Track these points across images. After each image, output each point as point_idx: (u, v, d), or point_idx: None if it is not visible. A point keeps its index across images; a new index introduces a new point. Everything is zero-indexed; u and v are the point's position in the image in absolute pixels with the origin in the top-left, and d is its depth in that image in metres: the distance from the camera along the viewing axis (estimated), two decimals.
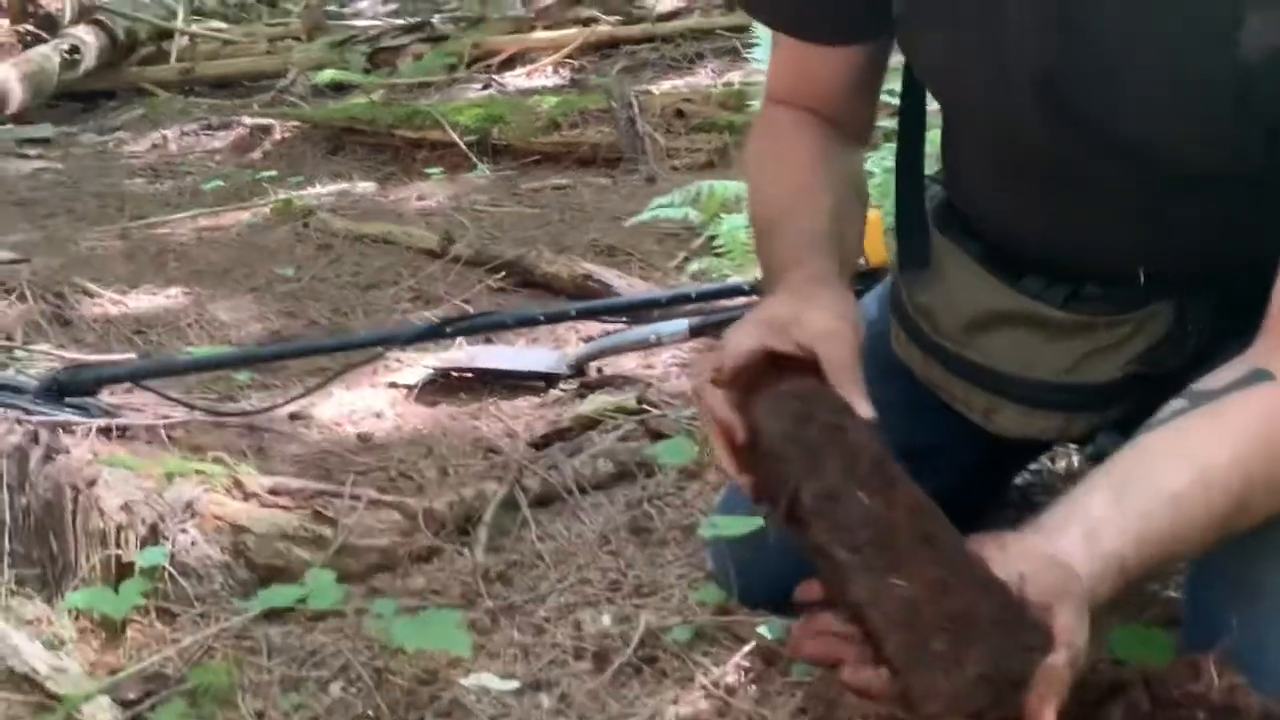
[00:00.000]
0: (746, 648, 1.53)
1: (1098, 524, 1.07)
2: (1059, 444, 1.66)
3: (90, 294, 2.98)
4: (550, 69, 5.51)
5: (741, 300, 2.20)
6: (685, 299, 2.23)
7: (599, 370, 2.44)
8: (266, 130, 4.86)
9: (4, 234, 3.65)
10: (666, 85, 4.92)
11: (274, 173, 4.33)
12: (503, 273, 3.07)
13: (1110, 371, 1.37)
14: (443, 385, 2.44)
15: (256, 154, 4.71)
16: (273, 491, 1.72)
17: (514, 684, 1.50)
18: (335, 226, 3.59)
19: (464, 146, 4.19)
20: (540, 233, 3.46)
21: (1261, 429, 1.08)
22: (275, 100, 5.49)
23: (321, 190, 4.09)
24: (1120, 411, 1.40)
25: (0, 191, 4.36)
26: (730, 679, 1.49)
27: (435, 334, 2.19)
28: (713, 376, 1.20)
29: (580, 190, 3.90)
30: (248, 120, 4.97)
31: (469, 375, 2.45)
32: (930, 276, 1.46)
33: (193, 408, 2.14)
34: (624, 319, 2.37)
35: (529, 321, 2.28)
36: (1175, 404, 1.14)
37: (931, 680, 0.96)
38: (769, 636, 1.53)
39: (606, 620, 1.61)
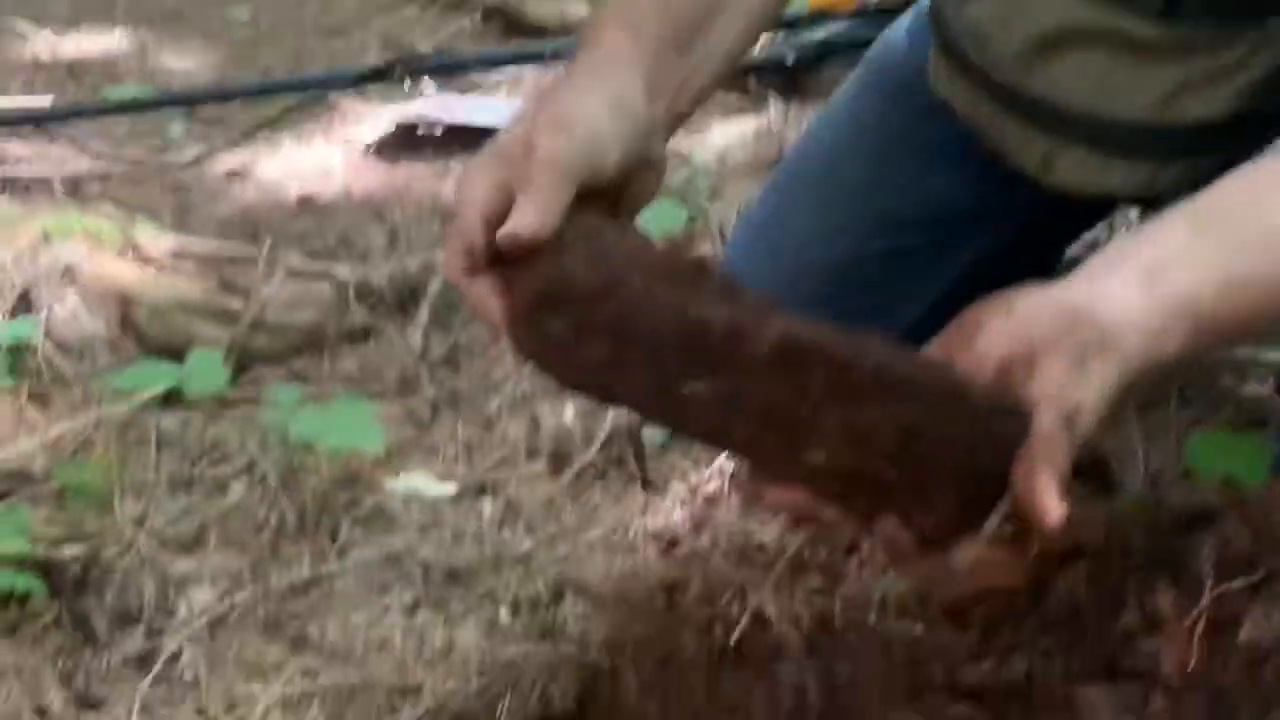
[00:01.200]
0: None
1: (1165, 260, 0.77)
2: (1131, 205, 1.35)
3: (20, 35, 2.63)
4: None
5: None
6: None
7: None
8: None
9: None
10: None
11: None
12: (487, 18, 2.70)
13: (1213, 107, 1.05)
14: (407, 141, 2.12)
15: None
16: (176, 255, 1.43)
17: (450, 487, 1.25)
18: None
19: None
20: None
21: None
22: None
23: None
24: (1220, 162, 1.08)
25: None
26: (712, 486, 1.23)
27: (383, 75, 1.87)
28: (464, 264, 0.78)
29: None
30: None
31: (438, 132, 2.13)
32: None
33: (108, 158, 1.82)
34: None
35: (495, 61, 1.94)
36: None
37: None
38: None
39: (569, 415, 1.35)
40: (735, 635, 1.00)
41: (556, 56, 1.98)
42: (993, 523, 0.72)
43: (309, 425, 1.13)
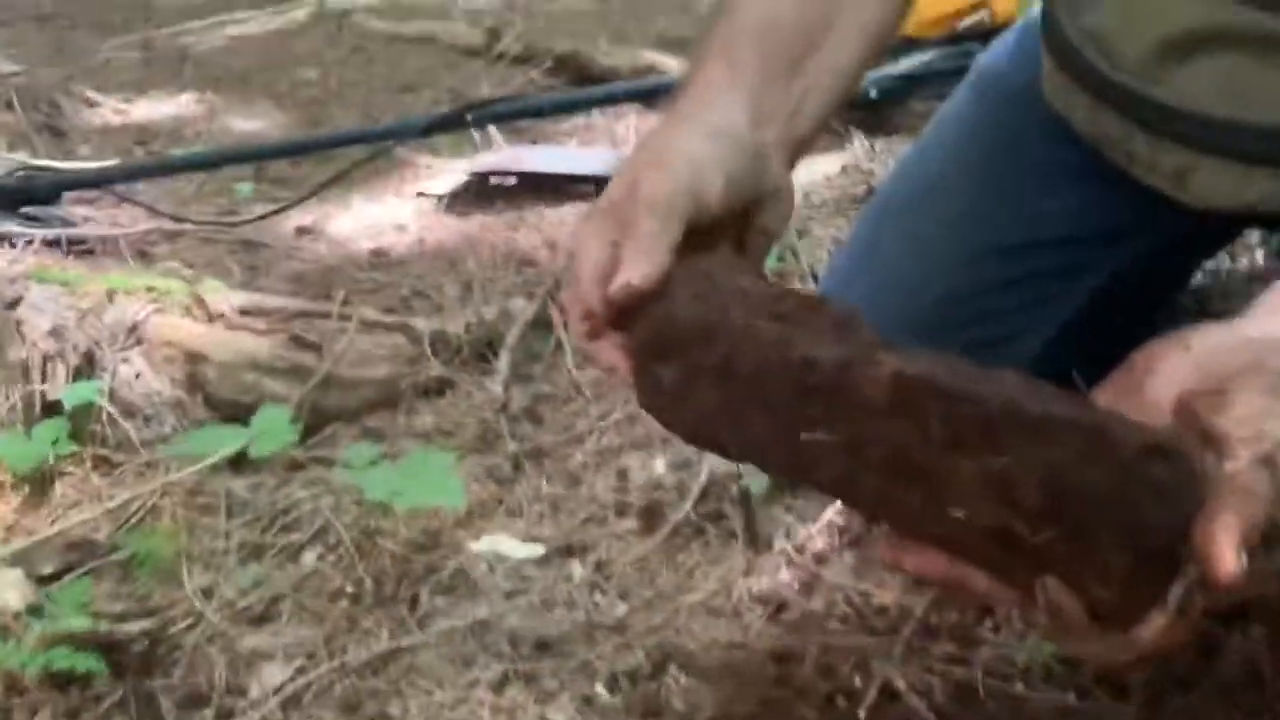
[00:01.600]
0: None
1: None
2: (1267, 224, 1.24)
3: (91, 103, 2.63)
4: None
5: None
6: None
7: None
8: None
9: (12, 46, 3.31)
10: None
11: None
12: (555, 69, 2.65)
13: None
14: (479, 193, 2.06)
15: None
16: (244, 311, 1.37)
17: (538, 549, 1.16)
18: (372, 28, 3.20)
19: None
20: (599, 26, 3.02)
21: None
22: None
23: None
24: None
25: (26, 6, 4.01)
26: (820, 544, 1.13)
27: (451, 123, 1.80)
28: (586, 328, 0.75)
29: None
30: None
31: (510, 181, 2.07)
32: None
33: (173, 219, 1.78)
34: None
35: (563, 106, 1.87)
36: None
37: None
38: None
39: (660, 468, 1.26)
40: (862, 711, 0.90)
41: (627, 98, 1.91)
42: (1177, 592, 0.61)
43: (384, 484, 1.05)
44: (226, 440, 1.14)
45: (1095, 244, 1.17)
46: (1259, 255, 1.53)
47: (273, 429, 1.13)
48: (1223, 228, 1.25)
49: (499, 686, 1.00)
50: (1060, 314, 1.20)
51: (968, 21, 1.79)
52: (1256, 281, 1.46)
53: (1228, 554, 0.60)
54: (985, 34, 1.60)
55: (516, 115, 1.95)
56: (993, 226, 1.18)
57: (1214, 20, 0.97)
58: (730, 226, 0.79)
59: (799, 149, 0.86)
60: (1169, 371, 0.68)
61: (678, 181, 0.76)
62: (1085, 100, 1.07)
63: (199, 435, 1.17)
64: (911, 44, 1.87)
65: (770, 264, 1.54)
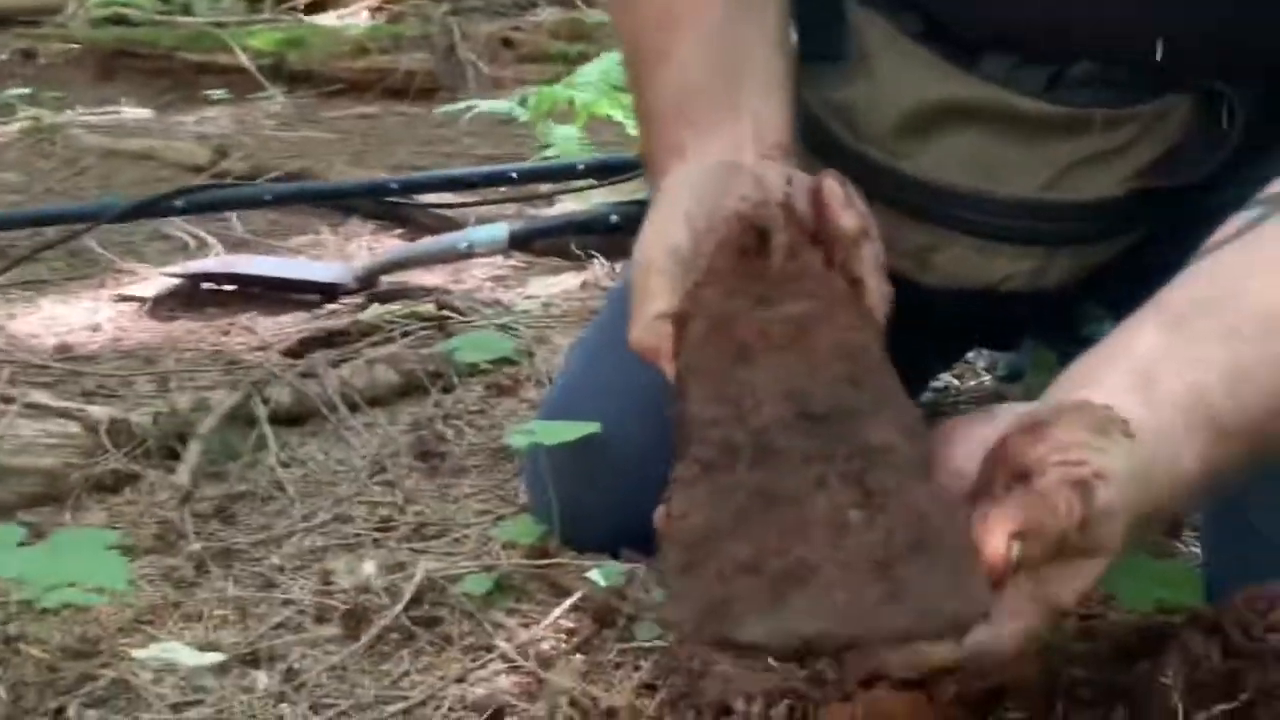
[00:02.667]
0: (569, 602, 1.05)
1: (1150, 363, 0.66)
2: (1017, 305, 1.23)
3: None
4: (366, 13, 4.95)
5: (577, 185, 1.72)
6: (503, 178, 1.74)
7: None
8: (29, 54, 4.18)
9: None
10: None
11: (28, 90, 3.67)
12: None
13: (1107, 187, 0.95)
14: (189, 298, 1.89)
15: (12, 78, 4.03)
16: None
17: (216, 657, 0.99)
18: (87, 143, 2.99)
19: (255, 71, 3.61)
20: (338, 157, 2.92)
21: None
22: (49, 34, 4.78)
23: (84, 112, 3.46)
24: (1115, 247, 0.98)
25: None
26: (546, 645, 1.01)
27: (157, 208, 1.64)
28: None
29: (388, 120, 3.37)
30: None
31: (226, 288, 1.92)
32: (850, 69, 1.01)
33: None
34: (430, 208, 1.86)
35: (296, 199, 1.75)
36: (1238, 219, 0.75)
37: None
38: (603, 585, 1.06)
39: (369, 569, 1.12)
40: None
41: (356, 195, 1.80)
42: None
43: (24, 564, 0.87)
44: None
45: None
46: (985, 378, 1.55)
47: None
48: (959, 333, 1.24)
49: None
50: None
51: None
52: (982, 404, 1.47)
53: (997, 538, 0.55)
54: None
55: (234, 204, 1.80)
56: None
57: (957, 94, 0.96)
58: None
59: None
60: (972, 434, 0.64)
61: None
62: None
63: None
64: None
65: (506, 351, 1.46)
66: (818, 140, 1.03)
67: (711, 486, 0.61)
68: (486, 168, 1.86)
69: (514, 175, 1.74)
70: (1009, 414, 0.66)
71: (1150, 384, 0.65)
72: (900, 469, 0.59)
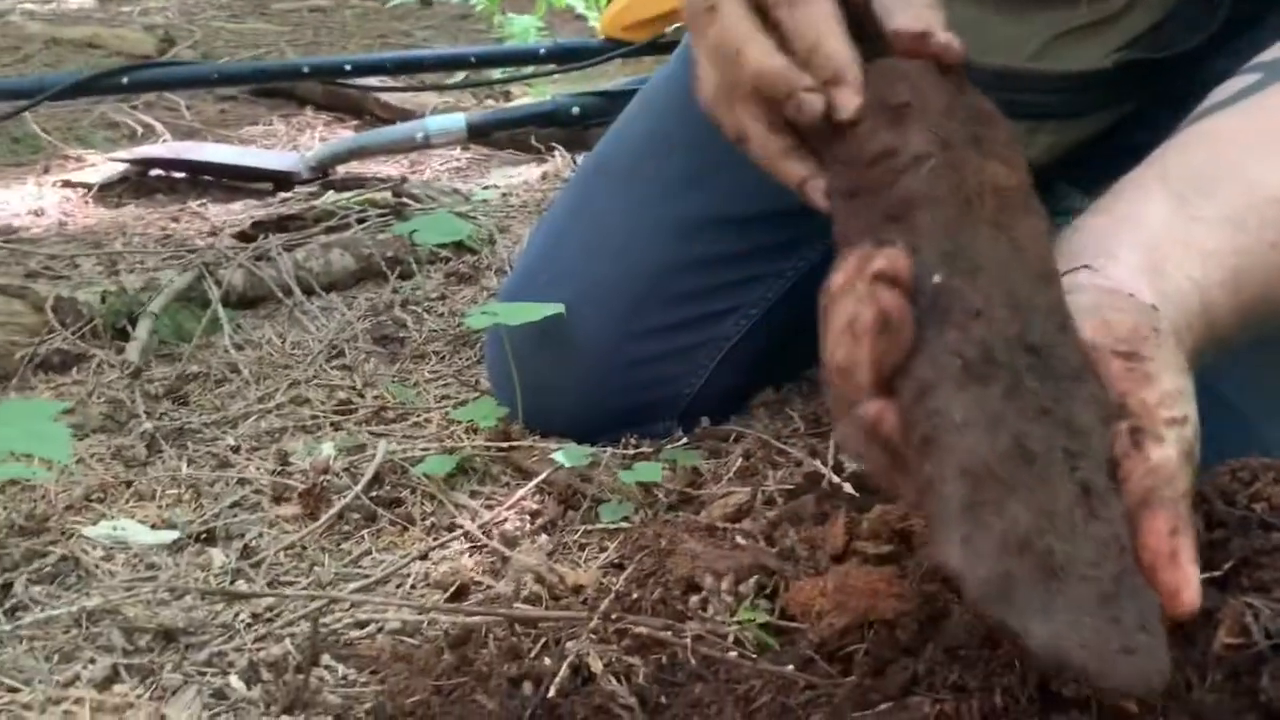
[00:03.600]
0: (533, 483, 1.03)
1: (1160, 243, 0.64)
2: None
3: None
4: None
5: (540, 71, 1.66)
6: (462, 61, 1.69)
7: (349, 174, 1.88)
8: None
9: None
10: None
11: None
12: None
13: (1095, 59, 0.92)
14: (138, 185, 1.83)
15: None
16: None
17: (169, 534, 0.96)
18: (30, 30, 2.89)
19: None
20: (290, 48, 2.84)
21: None
22: None
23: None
24: (1104, 120, 0.96)
25: None
26: (510, 526, 0.99)
27: (100, 85, 1.57)
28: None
29: (342, 13, 3.28)
30: None
31: (176, 175, 1.86)
32: None
33: None
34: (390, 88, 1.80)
35: (246, 79, 1.69)
36: (1236, 82, 0.72)
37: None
38: (567, 466, 1.04)
39: (328, 450, 1.09)
40: (547, 692, 0.76)
41: (314, 75, 1.74)
42: None
43: None
44: None
45: (800, 221, 1.11)
46: None
47: None
48: None
49: (105, 683, 0.80)
50: (768, 294, 1.13)
51: (675, 26, 1.74)
52: None
53: (1193, 590, 0.53)
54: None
55: (180, 83, 1.74)
56: (709, 195, 1.10)
57: None
58: None
59: None
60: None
61: None
62: None
63: None
64: (616, 45, 1.80)
65: (463, 235, 1.42)
66: None
67: (980, 401, 0.53)
68: (444, 49, 1.80)
69: (472, 59, 1.68)
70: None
71: (1160, 274, 0.63)
72: (1099, 463, 0.54)
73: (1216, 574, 0.66)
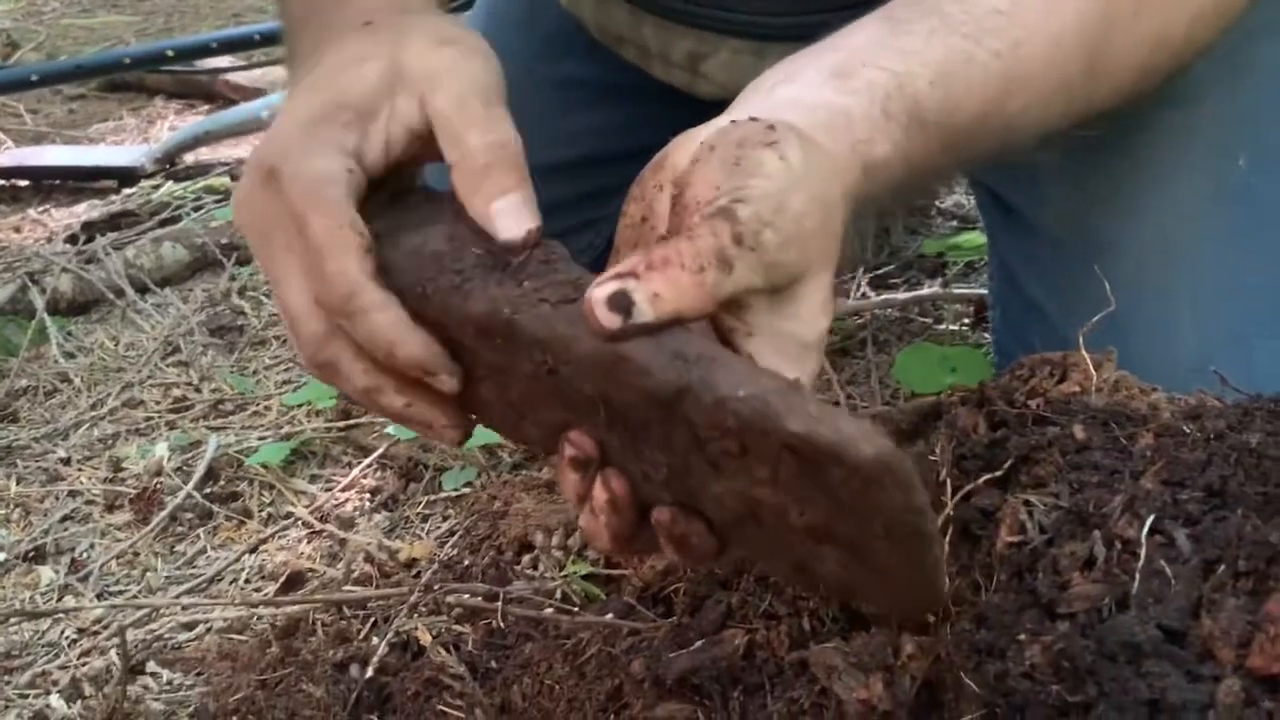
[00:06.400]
0: (368, 460, 1.01)
1: (859, 58, 0.61)
2: None
3: None
4: None
5: None
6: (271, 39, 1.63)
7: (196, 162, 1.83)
8: None
9: None
10: None
11: None
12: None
13: None
14: None
15: None
16: None
17: None
18: None
19: None
20: (142, 39, 2.76)
21: None
22: None
23: None
24: None
25: None
26: (350, 506, 0.97)
27: None
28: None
29: None
30: None
31: (20, 183, 1.80)
32: None
33: None
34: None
35: (66, 77, 1.64)
36: None
37: None
38: (404, 440, 1.02)
39: (162, 452, 1.06)
40: (369, 670, 0.75)
41: (136, 65, 1.68)
42: None
43: None
44: None
45: (627, 162, 1.09)
46: None
47: None
48: None
49: None
50: (598, 240, 1.11)
51: None
52: None
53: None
54: None
55: (13, 84, 1.68)
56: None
57: None
58: None
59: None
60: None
61: (469, 74, 0.61)
62: None
63: None
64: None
65: None
66: None
67: None
68: (272, 23, 1.75)
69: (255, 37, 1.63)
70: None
71: (850, 74, 0.60)
72: None
73: (998, 474, 0.66)
